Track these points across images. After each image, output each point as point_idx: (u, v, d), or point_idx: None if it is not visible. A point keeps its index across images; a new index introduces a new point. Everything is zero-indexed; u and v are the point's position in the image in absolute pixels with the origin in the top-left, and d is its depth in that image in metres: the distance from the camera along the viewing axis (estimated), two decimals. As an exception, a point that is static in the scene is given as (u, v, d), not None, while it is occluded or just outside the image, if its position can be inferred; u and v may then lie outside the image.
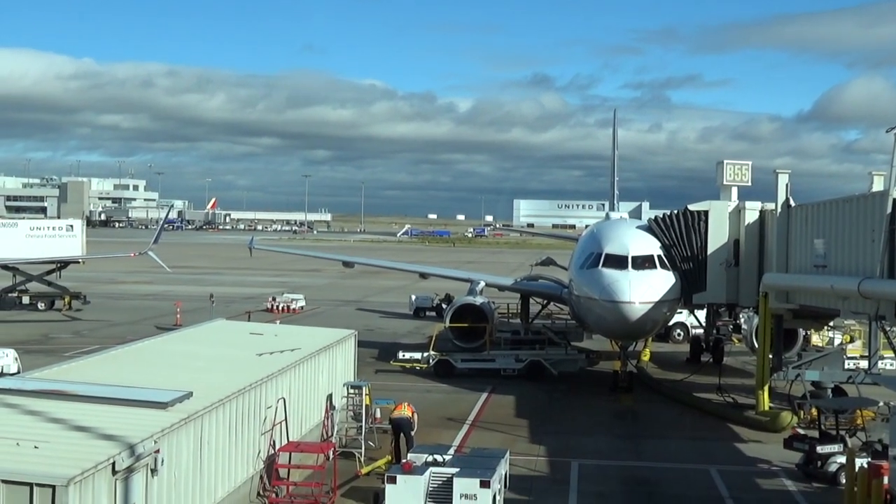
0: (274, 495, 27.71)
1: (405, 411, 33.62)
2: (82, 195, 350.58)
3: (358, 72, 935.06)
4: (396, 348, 54.54)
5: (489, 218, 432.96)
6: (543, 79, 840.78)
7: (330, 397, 35.13)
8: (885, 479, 25.74)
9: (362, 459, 32.76)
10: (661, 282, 43.66)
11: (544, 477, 32.45)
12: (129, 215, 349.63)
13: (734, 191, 46.60)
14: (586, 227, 66.12)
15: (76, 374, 26.57)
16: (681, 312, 56.92)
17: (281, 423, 28.97)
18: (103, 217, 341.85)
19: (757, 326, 44.81)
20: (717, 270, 44.85)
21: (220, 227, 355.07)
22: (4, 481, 17.27)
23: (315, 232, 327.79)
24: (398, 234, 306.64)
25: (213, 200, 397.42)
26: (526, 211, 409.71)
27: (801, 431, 36.94)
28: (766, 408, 41.36)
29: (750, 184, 46.81)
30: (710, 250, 44.98)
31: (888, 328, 37.67)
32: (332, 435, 34.15)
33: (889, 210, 30.44)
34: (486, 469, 26.62)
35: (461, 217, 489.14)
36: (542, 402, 45.17)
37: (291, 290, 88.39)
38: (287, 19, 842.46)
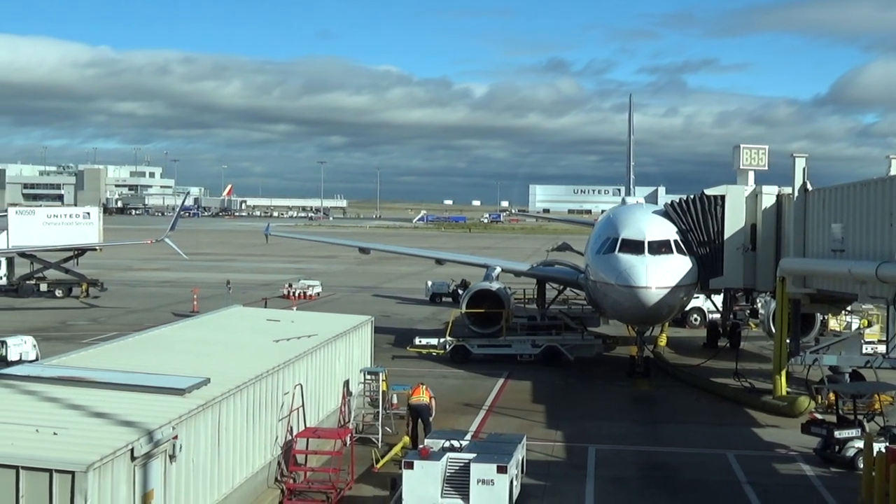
0: (291, 481, 27.79)
1: (423, 396, 33.68)
2: (99, 182, 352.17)
3: (373, 58, 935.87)
4: (413, 334, 54.59)
5: (505, 203, 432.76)
6: (559, 63, 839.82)
7: (347, 383, 35.21)
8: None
9: (379, 446, 32.84)
10: (677, 267, 43.57)
11: (561, 462, 32.49)
12: (146, 202, 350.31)
13: (751, 175, 46.38)
14: (602, 212, 65.95)
15: (94, 361, 26.70)
16: (697, 297, 56.77)
17: (298, 409, 29.07)
18: (120, 204, 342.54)
19: (774, 311, 44.73)
20: (734, 255, 44.71)
21: (237, 213, 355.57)
22: (24, 468, 17.38)
23: (331, 218, 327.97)
24: (414, 220, 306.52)
25: (229, 187, 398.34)
26: (542, 196, 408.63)
27: (819, 416, 36.88)
28: (784, 393, 41.29)
29: (767, 168, 46.61)
30: (726, 235, 44.83)
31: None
32: (349, 421, 34.21)
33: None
34: (503, 454, 26.64)
35: (477, 203, 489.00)
36: (558, 387, 45.19)
37: (308, 277, 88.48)
38: (303, 5, 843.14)
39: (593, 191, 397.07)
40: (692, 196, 46.07)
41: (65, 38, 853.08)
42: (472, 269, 71.99)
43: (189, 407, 21.92)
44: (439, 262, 75.72)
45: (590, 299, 52.72)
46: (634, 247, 43.88)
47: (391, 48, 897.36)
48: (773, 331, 44.64)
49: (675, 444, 35.46)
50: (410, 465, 25.99)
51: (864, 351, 44.24)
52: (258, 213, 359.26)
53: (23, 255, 74.39)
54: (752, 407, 41.17)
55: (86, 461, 17.44)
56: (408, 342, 52.99)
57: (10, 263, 76.66)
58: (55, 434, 18.96)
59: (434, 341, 51.67)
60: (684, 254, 44.26)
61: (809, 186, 40.69)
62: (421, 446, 28.02)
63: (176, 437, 20.54)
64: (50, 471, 17.34)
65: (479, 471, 25.66)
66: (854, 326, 53.69)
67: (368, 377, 36.34)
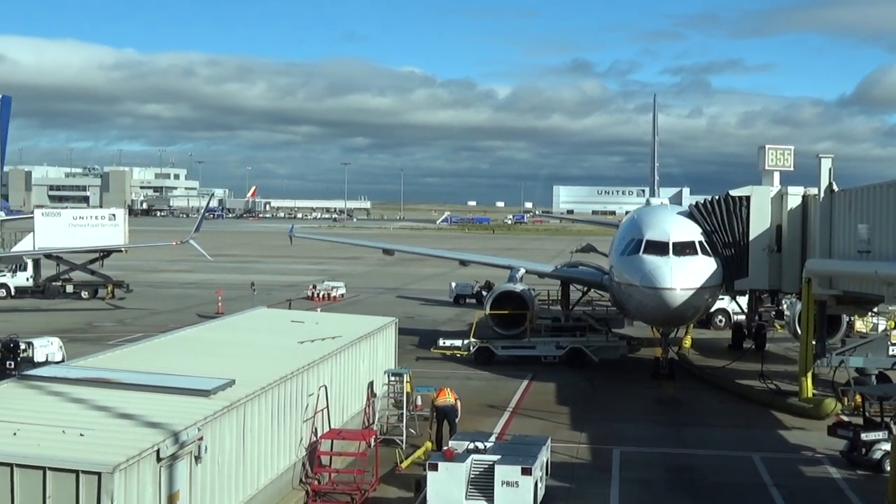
0: (316, 482, 27.84)
1: (449, 398, 33.67)
2: (124, 184, 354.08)
3: (397, 59, 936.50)
4: (437, 335, 54.57)
5: (529, 204, 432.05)
6: (583, 64, 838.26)
7: (371, 385, 35.26)
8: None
9: (403, 447, 32.87)
10: (702, 268, 43.44)
11: (586, 464, 32.42)
12: (171, 204, 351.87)
13: (776, 176, 46.24)
14: (626, 213, 65.86)
15: (120, 363, 26.82)
16: (722, 299, 56.55)
17: (323, 410, 29.11)
18: (145, 206, 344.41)
19: (800, 312, 44.44)
20: (760, 256, 44.57)
21: (261, 215, 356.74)
22: (51, 468, 17.48)
23: (355, 219, 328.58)
24: (438, 222, 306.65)
25: (253, 189, 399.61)
26: (565, 197, 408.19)
27: (845, 418, 36.60)
28: (810, 395, 41.07)
29: (792, 169, 46.45)
30: (752, 236, 44.68)
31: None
32: (373, 422, 34.26)
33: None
34: (527, 456, 26.62)
35: (500, 204, 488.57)
36: (582, 389, 45.11)
37: (332, 278, 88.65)
38: (327, 7, 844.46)
39: (617, 192, 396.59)
40: (717, 197, 45.94)
41: (91, 40, 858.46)
42: (496, 270, 71.94)
43: (214, 408, 21.99)
44: (463, 263, 75.74)
45: (614, 301, 52.60)
46: (659, 248, 43.78)
47: (415, 49, 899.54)
48: (799, 332, 44.39)
49: (700, 446, 35.32)
50: (435, 467, 25.99)
51: (890, 352, 44.06)
52: (282, 214, 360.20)
53: (49, 256, 74.85)
54: (778, 409, 40.98)
55: (112, 462, 17.52)
56: (432, 343, 52.99)
57: (37, 265, 77.21)
58: (81, 435, 19.05)
59: (458, 343, 51.65)
60: (709, 255, 44.13)
61: (835, 187, 40.51)
62: (445, 448, 28.02)
63: (201, 439, 20.61)
64: (76, 472, 17.42)
65: (503, 473, 25.63)
66: (881, 328, 53.37)
67: (393, 379, 36.37)
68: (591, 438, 35.43)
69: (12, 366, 39.18)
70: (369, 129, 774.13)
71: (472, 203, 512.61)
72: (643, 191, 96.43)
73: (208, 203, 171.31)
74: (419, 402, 36.35)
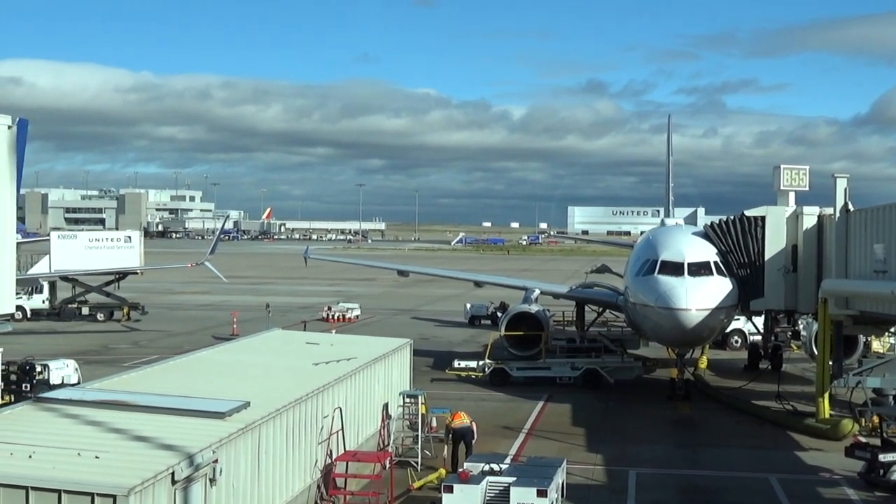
0: (331, 504, 27.79)
1: (465, 420, 33.65)
2: (140, 206, 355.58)
3: (413, 80, 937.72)
4: (452, 357, 54.55)
5: (543, 225, 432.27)
6: (597, 85, 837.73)
7: (386, 406, 35.21)
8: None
9: (418, 469, 32.79)
10: (717, 288, 43.34)
11: (602, 486, 32.26)
12: (186, 226, 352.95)
13: (791, 196, 46.14)
14: (641, 233, 65.79)
15: (135, 385, 26.85)
16: (738, 319, 56.39)
17: (337, 432, 29.07)
18: (160, 228, 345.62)
19: (816, 333, 44.32)
20: (775, 276, 44.42)
21: (276, 236, 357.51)
22: (66, 491, 17.49)
23: (369, 241, 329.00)
24: (452, 243, 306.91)
25: (268, 210, 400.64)
26: (580, 218, 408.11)
27: (863, 439, 36.47)
28: (827, 415, 40.88)
29: (807, 188, 46.34)
30: (767, 256, 44.56)
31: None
32: (388, 444, 34.22)
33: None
34: (542, 478, 26.51)
35: (515, 224, 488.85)
36: (598, 410, 44.97)
37: (347, 299, 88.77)
38: (343, 29, 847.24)
39: (632, 212, 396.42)
40: (732, 217, 45.83)
41: (108, 63, 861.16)
42: (510, 291, 71.84)
43: (229, 430, 21.99)
44: (478, 284, 75.73)
45: (629, 321, 52.46)
46: (674, 268, 43.71)
47: (430, 71, 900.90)
48: (816, 353, 44.24)
49: (717, 467, 35.13)
50: (450, 489, 25.90)
51: (908, 373, 43.89)
52: (297, 235, 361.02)
53: (65, 279, 75.12)
54: (795, 430, 40.76)
55: (127, 485, 17.51)
56: (447, 365, 52.93)
57: (53, 287, 77.49)
58: (97, 458, 19.07)
59: (473, 364, 51.58)
60: (724, 275, 44.04)
61: (851, 207, 40.38)
62: (461, 470, 27.94)
63: (216, 461, 20.59)
64: (92, 494, 17.42)
65: (518, 495, 25.52)
66: (898, 348, 53.17)
67: (407, 400, 36.29)
68: (606, 460, 35.28)
69: (28, 388, 39.23)
70: (384, 151, 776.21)
71: (487, 224, 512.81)
72: (658, 211, 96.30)
73: (223, 225, 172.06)
74: (434, 423, 36.28)
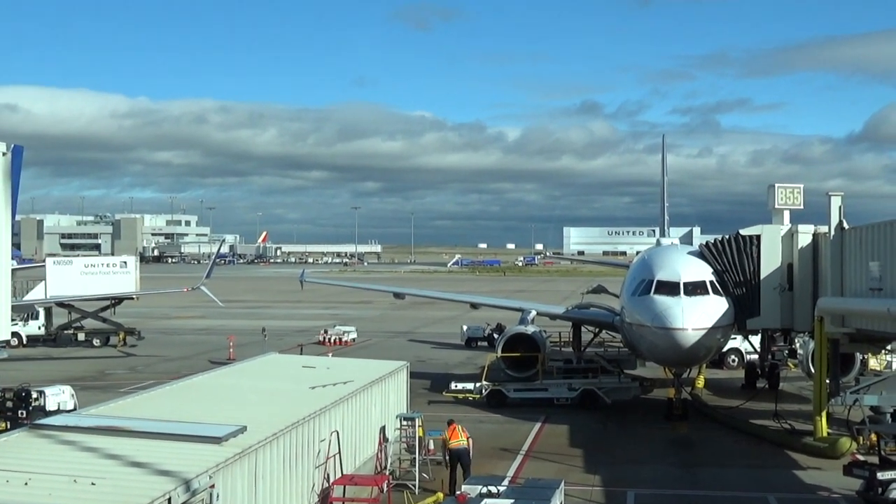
0: (329, 529, 27.68)
1: (462, 439, 33.62)
2: (135, 231, 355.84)
3: (408, 103, 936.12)
4: (449, 379, 54.49)
5: (539, 246, 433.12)
6: (592, 106, 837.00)
7: (383, 429, 35.13)
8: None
9: (416, 492, 32.70)
10: (713, 308, 43.36)
11: (600, 507, 32.17)
12: (182, 250, 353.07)
13: (786, 214, 46.22)
14: (637, 253, 65.74)
15: (132, 410, 26.76)
16: (735, 338, 56.38)
17: (335, 455, 29.00)
18: (156, 253, 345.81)
19: (813, 351, 44.27)
20: (771, 295, 44.44)
21: (272, 260, 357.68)
22: (62, 518, 17.43)
23: (366, 263, 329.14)
24: (448, 265, 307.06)
25: (264, 234, 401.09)
26: (576, 238, 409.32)
27: (861, 457, 36.39)
28: (825, 434, 40.84)
29: (802, 207, 46.42)
30: (763, 275, 44.58)
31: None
32: (385, 467, 34.13)
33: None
34: (540, 500, 26.43)
35: (511, 246, 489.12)
36: (596, 431, 44.90)
37: (343, 323, 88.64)
38: (339, 53, 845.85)
39: (628, 232, 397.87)
40: (727, 236, 45.86)
41: (104, 89, 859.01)
42: (507, 312, 71.83)
43: (226, 455, 21.92)
44: (474, 306, 75.67)
45: (626, 342, 52.45)
46: (670, 288, 43.73)
47: (426, 94, 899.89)
48: (813, 371, 44.19)
49: (715, 487, 35.04)
50: (448, 512, 25.82)
51: (905, 390, 43.88)
52: (293, 259, 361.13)
53: (61, 304, 75.04)
54: (793, 449, 40.72)
55: (123, 511, 17.45)
56: (444, 387, 52.87)
57: (49, 313, 77.42)
58: (93, 484, 18.99)
59: (470, 386, 51.54)
60: (720, 294, 44.05)
61: (846, 225, 40.47)
62: (458, 492, 27.86)
63: (213, 486, 20.52)
64: (88, 521, 17.37)
65: (517, 517, 25.44)
66: (895, 366, 53.17)
67: (405, 423, 36.21)
68: (604, 481, 35.20)
69: (24, 415, 39.13)
70: (380, 174, 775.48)
71: (483, 245, 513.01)
72: (653, 231, 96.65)
73: (219, 249, 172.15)
74: (431, 446, 36.22)
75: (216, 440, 22.85)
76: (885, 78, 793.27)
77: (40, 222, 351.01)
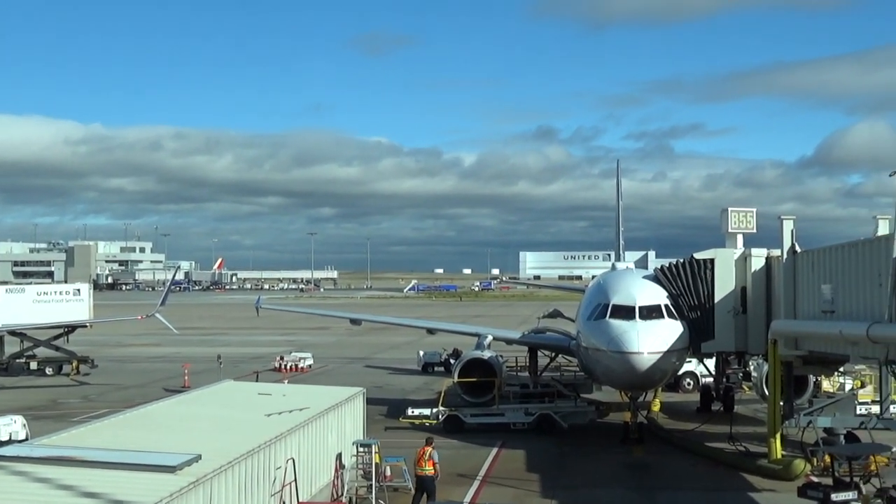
0: (285, 557, 27.47)
1: (427, 467, 33.82)
2: (89, 259, 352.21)
3: (365, 129, 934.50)
4: (405, 405, 54.37)
5: (495, 271, 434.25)
6: (547, 131, 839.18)
7: (339, 456, 34.98)
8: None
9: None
10: (668, 331, 43.57)
11: (557, 532, 32.15)
12: (136, 277, 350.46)
13: (739, 238, 46.58)
14: (593, 277, 66.03)
15: (85, 440, 26.48)
16: (690, 361, 56.72)
17: (291, 483, 28.82)
18: (110, 280, 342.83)
19: (767, 374, 44.61)
20: (725, 318, 44.72)
21: (227, 287, 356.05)
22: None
23: (322, 289, 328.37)
24: (405, 290, 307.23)
25: (219, 260, 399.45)
26: (532, 263, 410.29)
27: (815, 479, 36.65)
28: (779, 456, 41.10)
29: (755, 230, 46.80)
30: (717, 298, 44.86)
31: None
32: (342, 494, 33.98)
33: (895, 254, 30.37)
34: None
35: (467, 271, 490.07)
36: (552, 455, 44.92)
37: (299, 349, 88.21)
38: (296, 78, 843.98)
39: (583, 256, 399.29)
40: (682, 260, 46.16)
41: (58, 116, 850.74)
42: (463, 337, 71.76)
43: (180, 484, 21.71)
44: (431, 331, 75.59)
45: (582, 366, 52.59)
46: (625, 312, 43.90)
47: (382, 119, 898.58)
48: (767, 393, 44.51)
49: (672, 510, 35.14)
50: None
51: (858, 412, 44.36)
52: (249, 285, 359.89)
53: (13, 333, 74.05)
54: (748, 471, 40.93)
55: (76, 542, 17.23)
56: (400, 413, 52.72)
57: (0, 342, 76.38)
58: (45, 515, 18.76)
59: (427, 411, 51.45)
60: (675, 318, 44.29)
61: (798, 248, 40.85)
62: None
63: (167, 516, 20.32)
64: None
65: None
66: (847, 388, 53.65)
67: (361, 449, 36.10)
68: (562, 505, 35.18)
69: (-25, 446, 38.56)
70: (336, 199, 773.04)
71: (440, 270, 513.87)
72: (609, 255, 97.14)
73: (174, 276, 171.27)
74: (388, 472, 36.11)
75: (170, 469, 22.64)
76: (834, 103, 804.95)
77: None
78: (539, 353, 60.76)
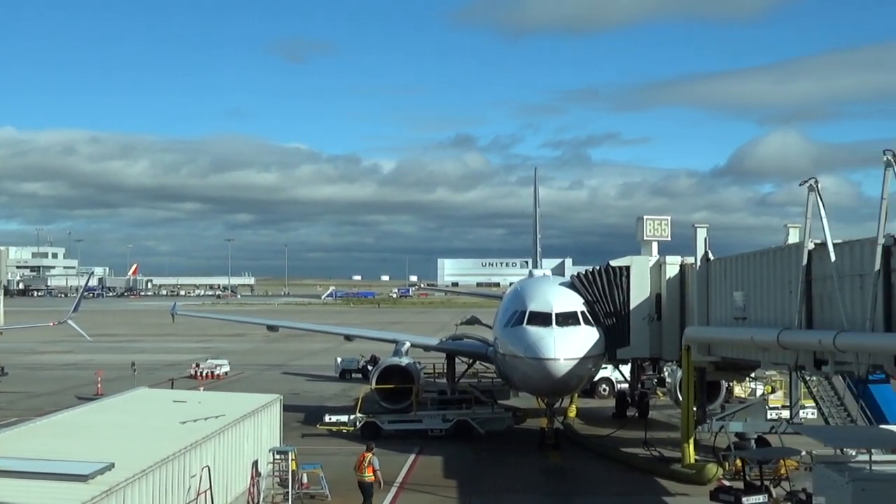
0: (200, 566, 27.18)
1: (366, 474, 34.24)
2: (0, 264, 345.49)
3: (284, 135, 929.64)
4: (323, 412, 54.09)
5: (413, 278, 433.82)
6: (466, 139, 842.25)
7: (255, 464, 34.69)
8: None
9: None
10: (585, 338, 43.87)
11: (474, 537, 32.20)
12: (49, 284, 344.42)
13: (654, 246, 47.15)
14: (510, 284, 66.36)
15: (-7, 449, 25.94)
16: (605, 368, 57.22)
17: (206, 491, 28.53)
18: (21, 286, 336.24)
19: (680, 380, 45.20)
20: (640, 325, 45.21)
21: (142, 293, 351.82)
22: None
23: (239, 296, 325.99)
24: (323, 297, 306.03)
25: (134, 266, 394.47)
26: (450, 270, 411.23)
27: (727, 483, 37.16)
28: (692, 460, 41.65)
29: (670, 238, 47.41)
30: (632, 305, 45.33)
31: (808, 378, 38.22)
32: (258, 502, 33.70)
33: (805, 262, 30.99)
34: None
35: (385, 278, 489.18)
36: (470, 461, 44.98)
37: (215, 356, 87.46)
38: (214, 84, 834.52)
39: (501, 263, 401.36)
40: (598, 267, 46.58)
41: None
42: (381, 344, 71.69)
43: (92, 493, 21.39)
44: (348, 338, 75.32)
45: (499, 372, 52.78)
46: (542, 319, 44.13)
47: (301, 125, 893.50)
48: (680, 399, 45.09)
49: (587, 515, 35.37)
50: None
51: (768, 417, 45.13)
52: (164, 292, 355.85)
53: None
54: (662, 476, 41.35)
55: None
56: (317, 420, 52.43)
57: None
58: (-49, 526, 18.35)
59: (344, 418, 51.25)
60: (591, 325, 44.63)
61: (711, 256, 41.45)
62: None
63: (78, 525, 19.99)
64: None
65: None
66: (758, 393, 54.58)
67: (278, 457, 35.87)
68: (479, 511, 35.25)
69: None
70: (254, 206, 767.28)
71: (357, 277, 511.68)
72: (526, 262, 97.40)
73: (87, 282, 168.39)
74: (305, 479, 35.93)
75: (82, 478, 22.29)
76: (747, 114, 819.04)
77: None
78: (457, 360, 60.85)
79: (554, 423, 48.16)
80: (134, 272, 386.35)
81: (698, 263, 41.79)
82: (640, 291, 45.40)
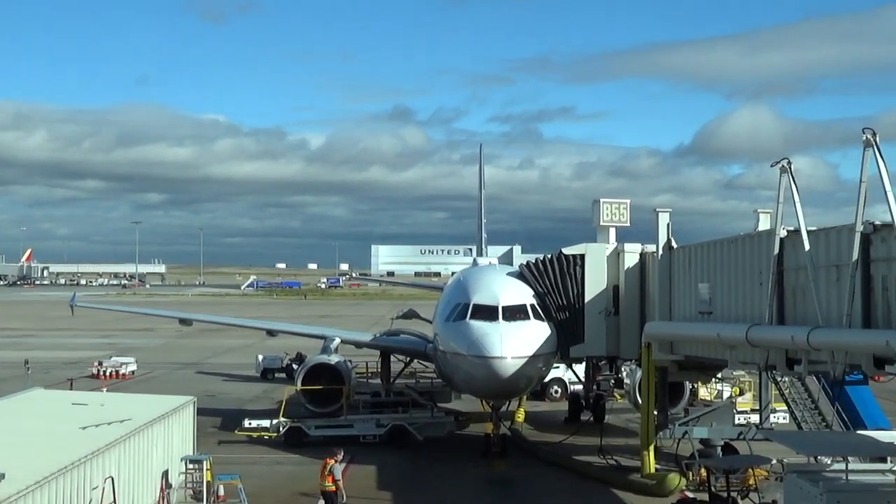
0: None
1: (327, 484, 35.50)
2: None
3: (199, 106, 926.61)
4: (242, 415, 53.90)
5: (344, 266, 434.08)
6: (404, 111, 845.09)
7: (166, 474, 34.58)
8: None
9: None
10: (534, 334, 44.03)
11: (410, 556, 32.32)
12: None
13: (612, 232, 47.38)
14: (452, 274, 66.50)
15: None
16: (558, 367, 57.53)
17: (109, 505, 28.40)
18: None
19: (640, 380, 45.51)
20: (596, 320, 45.41)
21: (37, 282, 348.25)
22: None
23: (147, 286, 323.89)
24: (242, 287, 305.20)
25: (28, 252, 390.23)
26: (385, 258, 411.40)
27: (690, 494, 37.50)
28: (652, 470, 42.01)
29: (629, 224, 47.67)
30: (587, 298, 45.51)
31: (779, 379, 38.69)
32: (168, 517, 33.59)
33: (777, 251, 31.25)
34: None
35: (313, 266, 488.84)
36: (406, 471, 45.08)
37: (121, 353, 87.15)
38: (120, 48, 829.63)
39: (442, 251, 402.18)
40: (549, 256, 46.72)
41: None
42: (308, 340, 71.59)
43: (-21, 507, 21.21)
44: (271, 333, 75.12)
45: (440, 372, 52.90)
46: (487, 313, 44.21)
47: (219, 95, 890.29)
48: (640, 402, 45.43)
49: (536, 530, 35.61)
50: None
51: (736, 421, 45.64)
52: (63, 281, 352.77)
53: None
54: (619, 486, 41.65)
55: None
56: (236, 425, 52.22)
57: None
58: None
59: (266, 423, 51.09)
60: (542, 319, 44.78)
61: (674, 243, 41.71)
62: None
63: (-36, 544, 19.82)
64: None
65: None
66: (725, 395, 55.12)
67: (191, 466, 35.75)
68: (416, 526, 35.39)
69: None
70: (165, 184, 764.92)
71: (282, 266, 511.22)
72: (470, 250, 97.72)
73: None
74: (221, 491, 35.83)
75: (-32, 490, 22.08)
76: (712, 86, 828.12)
77: None
78: (392, 358, 60.91)
79: (500, 429, 48.32)
80: (28, 258, 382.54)
81: (660, 252, 42.04)
82: (595, 283, 45.60)
